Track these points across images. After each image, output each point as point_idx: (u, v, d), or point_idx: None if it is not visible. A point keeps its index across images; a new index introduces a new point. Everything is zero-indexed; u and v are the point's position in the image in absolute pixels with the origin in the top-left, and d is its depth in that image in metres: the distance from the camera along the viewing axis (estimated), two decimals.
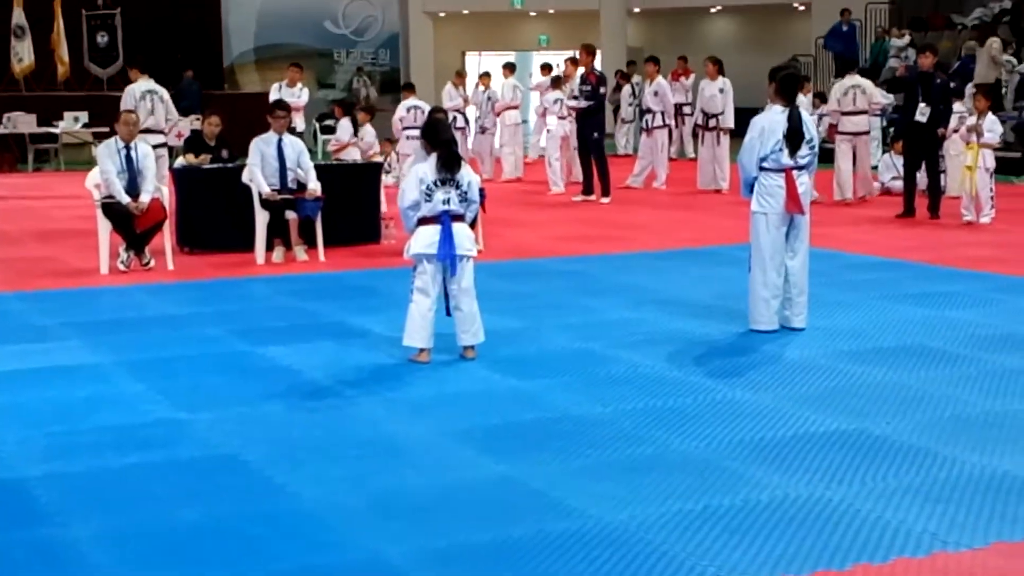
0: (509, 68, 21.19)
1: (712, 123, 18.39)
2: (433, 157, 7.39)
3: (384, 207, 12.90)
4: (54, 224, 14.69)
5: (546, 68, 21.30)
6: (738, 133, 16.21)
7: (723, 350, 7.82)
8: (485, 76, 21.26)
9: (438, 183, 7.33)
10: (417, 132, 16.97)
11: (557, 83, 19.58)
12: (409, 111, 17.51)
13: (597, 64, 18.31)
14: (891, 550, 4.49)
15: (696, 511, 4.87)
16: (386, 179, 15.30)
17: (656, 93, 18.87)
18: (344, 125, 17.09)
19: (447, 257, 7.32)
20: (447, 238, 7.29)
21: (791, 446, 5.73)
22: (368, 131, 16.45)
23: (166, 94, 14.98)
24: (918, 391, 6.72)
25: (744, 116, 15.98)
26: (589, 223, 14.43)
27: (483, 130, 20.87)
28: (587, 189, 17.03)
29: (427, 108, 17.32)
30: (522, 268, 11.07)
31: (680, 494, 5.07)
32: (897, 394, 6.67)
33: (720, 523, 4.74)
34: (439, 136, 7.50)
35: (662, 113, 18.88)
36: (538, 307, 9.15)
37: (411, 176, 7.44)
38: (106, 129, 11.58)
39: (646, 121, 19.07)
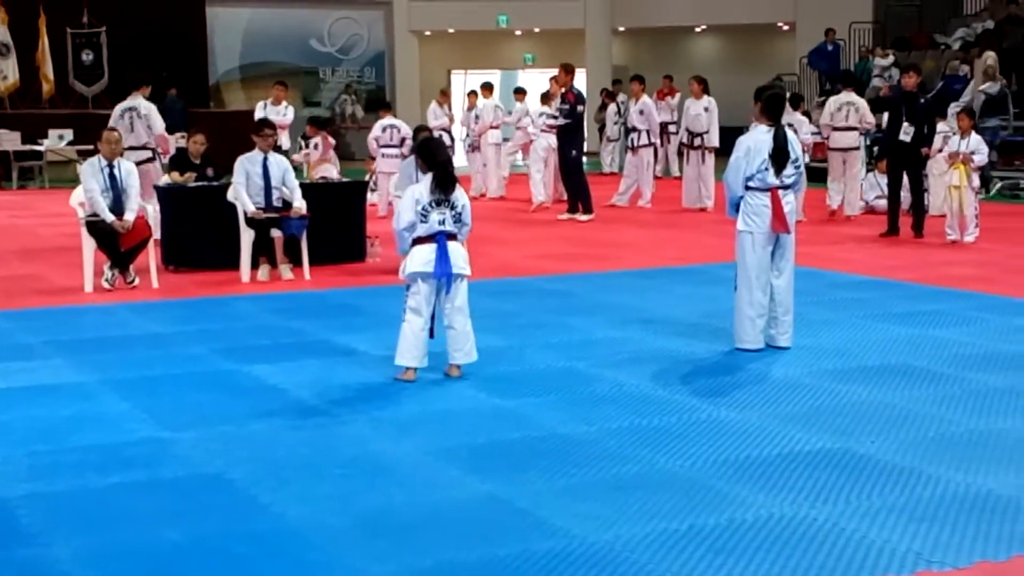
0: (487, 88, 21.19)
1: (697, 142, 18.46)
2: (428, 177, 7.40)
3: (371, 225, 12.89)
4: (38, 242, 14.65)
5: (520, 92, 21.26)
6: (723, 152, 16.31)
7: (708, 369, 7.83)
8: (472, 94, 21.27)
9: (433, 204, 7.34)
10: (394, 151, 17.16)
11: (545, 99, 19.66)
12: (385, 130, 17.53)
13: (580, 83, 18.36)
14: (875, 569, 4.49)
15: (681, 531, 4.87)
16: (371, 197, 15.31)
17: (642, 112, 18.93)
18: (316, 143, 17.11)
19: (443, 275, 7.32)
20: (443, 256, 7.30)
21: (776, 465, 5.74)
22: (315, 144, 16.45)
23: (148, 109, 14.87)
24: (902, 410, 6.73)
25: (729, 135, 16.09)
26: (574, 241, 14.45)
27: (472, 148, 20.89)
28: (572, 207, 17.06)
29: (403, 127, 17.36)
30: (507, 287, 11.08)
31: (665, 513, 5.07)
32: (881, 413, 6.68)
33: (705, 543, 4.74)
34: (436, 157, 7.50)
35: (647, 132, 18.93)
36: (523, 326, 9.15)
37: (406, 197, 7.45)
38: (91, 147, 11.55)
39: (631, 140, 19.13)
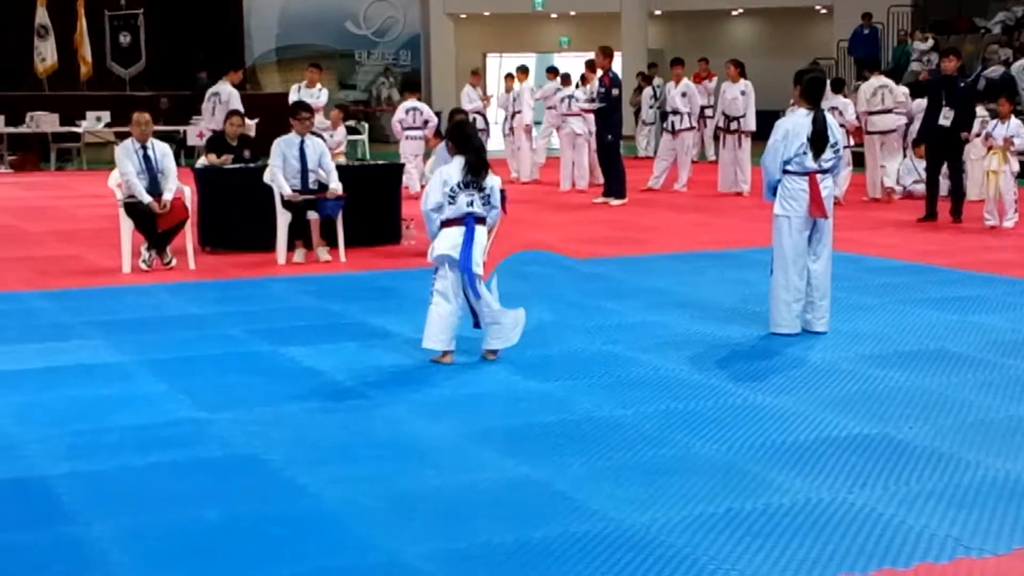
0: (523, 71, 21.14)
1: (733, 126, 18.37)
2: (459, 160, 7.38)
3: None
4: (77, 223, 14.75)
5: (552, 71, 21.18)
6: (759, 136, 16.26)
7: (744, 353, 7.80)
8: (510, 77, 21.19)
9: (462, 185, 7.32)
10: (417, 133, 17.32)
11: (567, 81, 19.69)
12: (408, 112, 17.65)
13: (616, 66, 18.29)
14: (913, 555, 4.46)
15: (718, 514, 4.86)
16: (406, 180, 15.33)
17: (684, 94, 18.89)
18: (341, 131, 17.22)
19: (466, 270, 7.28)
20: (469, 242, 7.28)
21: (813, 450, 5.71)
22: (340, 131, 16.51)
23: (228, 95, 15.07)
24: (940, 396, 6.69)
25: (765, 119, 16.01)
26: (609, 225, 14.42)
27: (511, 131, 20.80)
28: (607, 191, 17.03)
29: (426, 109, 17.49)
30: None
31: (702, 497, 5.06)
32: (919, 398, 6.64)
33: (742, 527, 4.73)
34: (470, 141, 7.48)
35: (689, 115, 18.87)
36: (558, 309, 9.14)
37: (435, 179, 7.43)
38: (127, 129, 11.62)
39: (672, 123, 19.05)
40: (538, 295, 9.65)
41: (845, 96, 17.38)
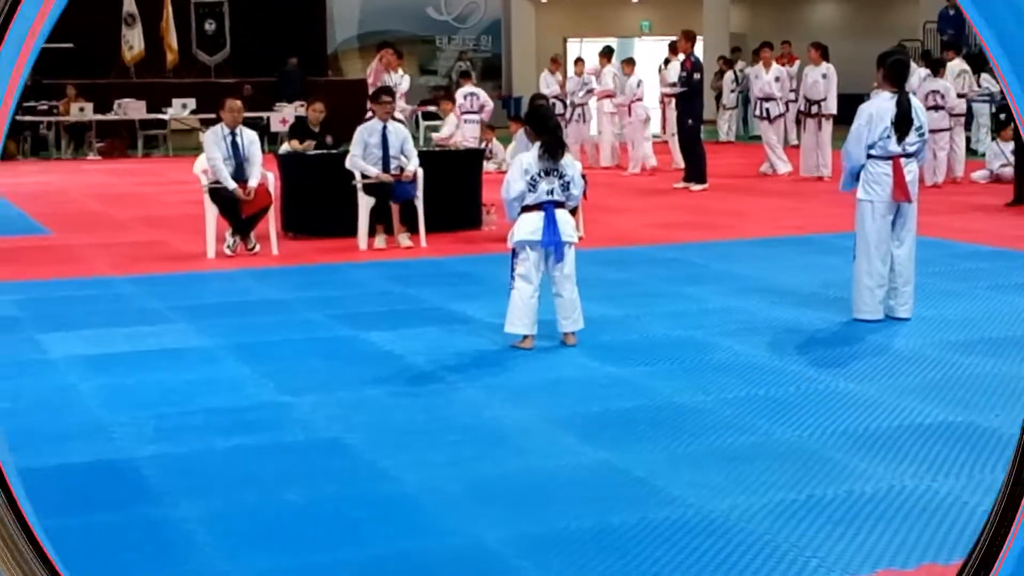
0: (606, 55, 21.03)
1: (815, 109, 18.15)
2: (536, 146, 7.40)
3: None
4: (163, 209, 14.97)
5: (579, 62, 21.07)
6: (840, 120, 16.13)
7: (826, 339, 7.73)
8: (579, 62, 21.09)
9: (542, 173, 7.34)
10: (475, 117, 17.57)
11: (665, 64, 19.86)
12: (466, 98, 17.86)
13: (698, 50, 18.16)
14: None
15: (799, 501, 4.82)
16: (487, 165, 15.36)
17: (777, 78, 18.68)
18: (451, 120, 17.45)
19: (551, 243, 7.32)
20: (551, 224, 7.30)
21: (896, 437, 5.65)
22: (450, 120, 16.68)
23: (397, 81, 15.55)
24: None
25: (849, 102, 15.80)
26: (689, 210, 14.35)
27: (582, 117, 20.71)
28: (688, 176, 16.93)
29: (482, 94, 17.72)
30: (622, 255, 11.04)
31: (783, 484, 5.03)
32: (1006, 385, 6.54)
33: (823, 514, 4.69)
34: (545, 123, 7.50)
35: (782, 100, 18.67)
36: (638, 295, 9.12)
37: (515, 167, 7.45)
38: (213, 115, 11.76)
39: (766, 110, 18.79)
40: (617, 281, 9.64)
41: (942, 76, 17.12)
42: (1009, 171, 15.46)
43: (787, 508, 4.75)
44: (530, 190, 7.34)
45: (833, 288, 9.10)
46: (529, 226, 7.34)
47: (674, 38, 17.57)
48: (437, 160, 12.73)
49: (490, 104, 17.95)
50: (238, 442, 5.70)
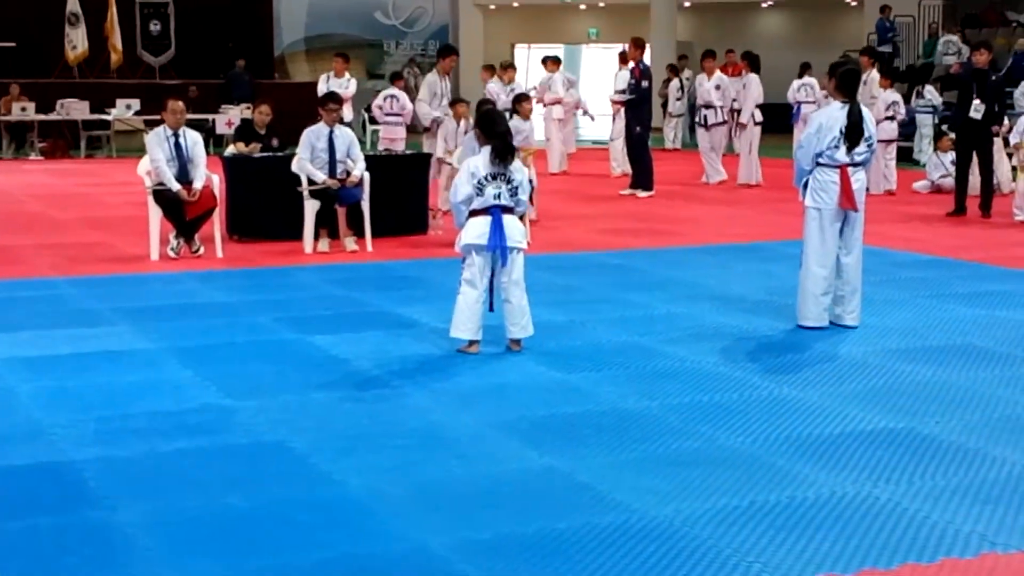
0: (554, 61, 21.06)
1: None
2: (486, 150, 7.40)
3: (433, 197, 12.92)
4: (106, 210, 14.83)
5: (509, 68, 21.10)
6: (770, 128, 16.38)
7: (771, 346, 7.78)
8: (510, 68, 20.83)
9: (489, 177, 7.34)
10: (396, 119, 17.65)
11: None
12: (386, 99, 17.89)
13: (646, 58, 18.25)
14: (939, 550, 4.45)
15: (742, 507, 4.85)
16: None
17: (718, 87, 18.79)
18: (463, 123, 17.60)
19: (497, 247, 7.32)
20: (497, 229, 7.30)
21: (838, 444, 5.70)
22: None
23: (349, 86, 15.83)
24: (968, 391, 6.66)
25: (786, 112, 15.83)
26: (636, 217, 14.40)
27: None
28: (634, 183, 17.00)
29: (404, 98, 17.81)
30: (569, 261, 11.06)
31: (726, 490, 5.05)
32: (946, 393, 6.61)
33: (766, 520, 4.72)
34: (495, 127, 7.51)
35: (721, 108, 18.78)
36: (585, 300, 9.14)
37: (463, 171, 7.45)
38: (157, 117, 11.67)
39: (704, 117, 18.93)
40: (564, 287, 9.65)
41: (885, 88, 17.34)
42: (950, 181, 15.65)
43: (730, 514, 4.78)
44: (477, 194, 7.34)
45: (778, 295, 9.16)
46: (476, 230, 7.33)
47: (622, 45, 17.63)
48: (383, 164, 12.70)
49: (410, 107, 18.04)
50: (180, 445, 5.65)
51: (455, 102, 13.72)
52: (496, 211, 7.34)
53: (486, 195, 7.34)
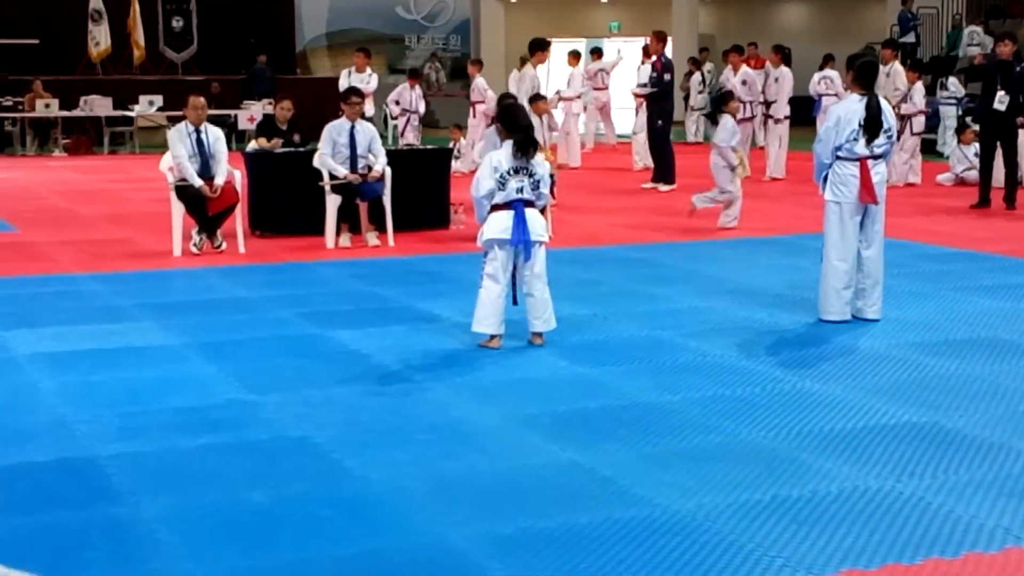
0: (575, 56, 21.09)
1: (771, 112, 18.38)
2: (508, 144, 7.39)
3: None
4: (129, 206, 14.88)
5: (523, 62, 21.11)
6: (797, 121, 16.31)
7: (793, 340, 7.76)
8: (523, 61, 20.84)
9: (512, 172, 7.33)
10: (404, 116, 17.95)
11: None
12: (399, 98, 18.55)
13: (668, 51, 18.19)
14: (962, 545, 4.43)
15: (764, 501, 4.84)
16: (455, 165, 15.35)
17: (744, 82, 18.70)
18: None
19: (520, 242, 7.31)
20: (520, 223, 7.29)
21: (861, 438, 5.67)
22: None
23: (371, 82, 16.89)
24: (992, 384, 6.62)
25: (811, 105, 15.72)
26: (658, 211, 14.37)
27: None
28: (656, 176, 16.96)
29: (408, 95, 17.94)
30: (591, 255, 11.05)
31: (748, 484, 5.04)
32: (970, 387, 6.57)
33: (788, 514, 4.70)
34: (517, 121, 7.51)
35: (750, 103, 18.68)
36: (607, 295, 9.13)
37: (485, 165, 7.45)
38: (180, 113, 11.72)
39: None
40: (586, 281, 9.64)
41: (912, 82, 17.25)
42: (973, 174, 15.56)
43: (752, 508, 4.76)
44: (499, 188, 7.33)
45: (800, 289, 9.13)
46: (499, 225, 7.33)
47: (644, 39, 17.58)
48: (405, 159, 12.71)
49: (417, 105, 18.62)
50: (203, 441, 5.66)
51: (534, 99, 13.72)
52: (519, 205, 7.34)
53: (508, 189, 7.33)
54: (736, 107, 13.32)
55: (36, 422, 5.95)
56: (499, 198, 7.36)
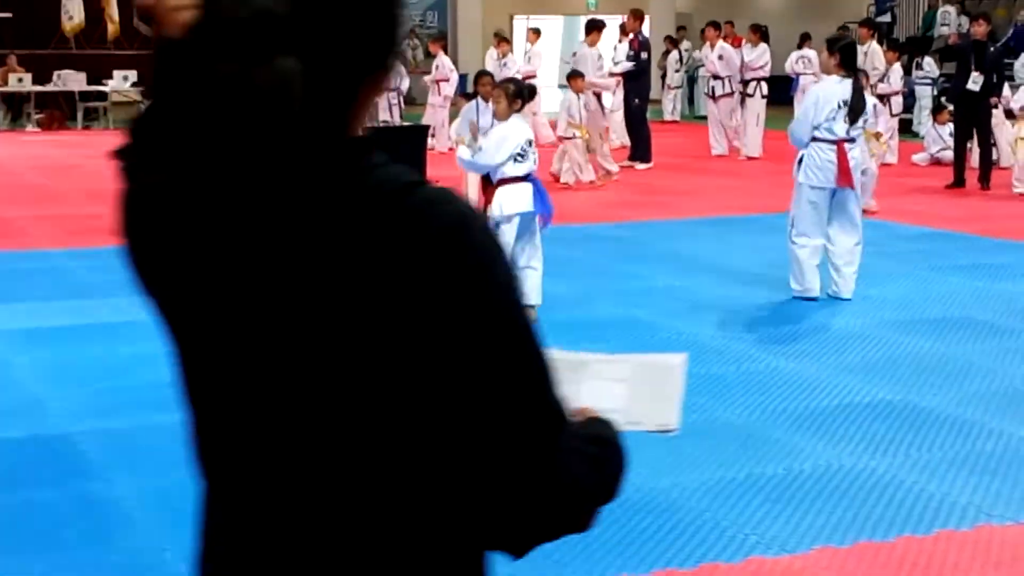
0: (535, 32, 21.06)
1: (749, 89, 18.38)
2: (518, 117, 7.50)
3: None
4: (103, 182, 14.64)
5: (503, 42, 20.82)
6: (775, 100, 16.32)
7: (769, 318, 7.78)
8: (503, 41, 20.59)
9: (529, 143, 7.41)
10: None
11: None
12: None
13: (645, 29, 18.18)
14: (935, 522, 4.46)
15: (739, 479, 4.86)
16: (431, 142, 15.32)
17: (721, 57, 18.67)
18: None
19: (543, 212, 7.42)
20: (539, 194, 7.39)
21: (835, 416, 5.70)
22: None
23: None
24: (965, 362, 6.67)
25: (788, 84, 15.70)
26: (635, 189, 14.37)
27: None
28: (633, 155, 16.96)
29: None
30: (569, 233, 11.02)
31: (723, 462, 5.06)
32: (943, 365, 6.61)
33: (763, 492, 4.73)
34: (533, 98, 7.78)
35: (728, 79, 18.64)
36: (584, 273, 9.13)
37: (495, 138, 7.45)
38: None
39: (712, 88, 18.83)
40: (564, 259, 9.64)
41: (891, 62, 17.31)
42: (949, 154, 15.61)
43: (727, 486, 4.79)
44: (519, 159, 7.36)
45: (776, 268, 9.14)
46: (520, 197, 7.33)
47: (620, 17, 17.56)
48: (381, 137, 12.64)
49: (405, 84, 18.75)
50: (178, 418, 5.61)
51: (572, 75, 14.39)
52: (535, 178, 7.42)
53: (528, 160, 7.39)
54: (581, 86, 14.24)
55: (9, 399, 5.92)
56: (520, 170, 7.37)
